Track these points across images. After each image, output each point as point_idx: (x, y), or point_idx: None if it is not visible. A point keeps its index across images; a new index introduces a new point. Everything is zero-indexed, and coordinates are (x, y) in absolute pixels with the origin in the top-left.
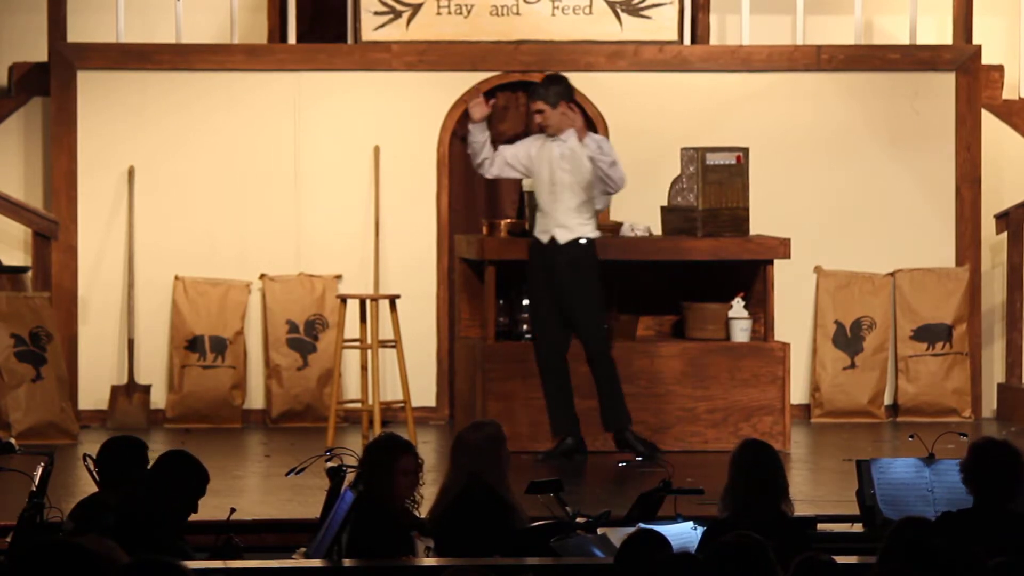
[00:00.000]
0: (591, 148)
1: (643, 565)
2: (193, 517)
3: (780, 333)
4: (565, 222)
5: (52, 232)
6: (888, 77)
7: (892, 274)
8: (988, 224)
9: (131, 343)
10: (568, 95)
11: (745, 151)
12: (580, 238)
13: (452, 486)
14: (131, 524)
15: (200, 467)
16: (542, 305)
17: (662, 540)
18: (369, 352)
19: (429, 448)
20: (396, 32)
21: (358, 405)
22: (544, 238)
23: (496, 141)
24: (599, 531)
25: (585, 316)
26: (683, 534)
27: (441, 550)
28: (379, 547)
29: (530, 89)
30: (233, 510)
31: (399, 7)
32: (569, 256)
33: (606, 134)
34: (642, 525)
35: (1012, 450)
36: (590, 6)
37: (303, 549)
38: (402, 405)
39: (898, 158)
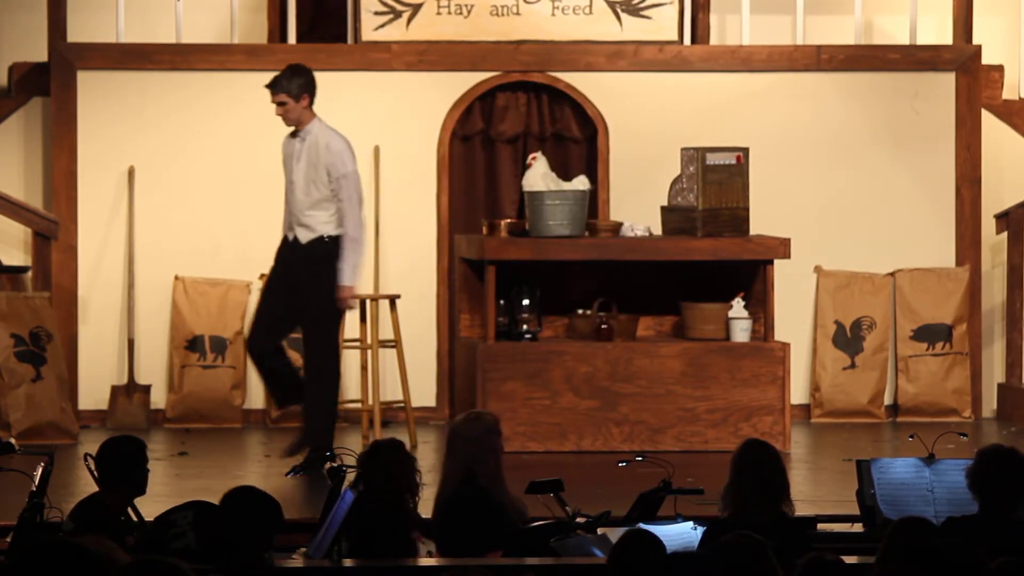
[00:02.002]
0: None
1: (637, 565)
2: None
3: (780, 333)
4: (305, 220)
5: (52, 232)
6: (888, 77)
7: (892, 274)
8: (988, 224)
9: (131, 343)
10: (311, 88)
11: (745, 151)
12: (323, 236)
13: (448, 479)
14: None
15: (270, 502)
16: (269, 300)
17: (656, 540)
18: (369, 352)
19: (429, 448)
20: (396, 32)
21: (358, 405)
22: (289, 235)
23: (496, 141)
24: (599, 531)
25: (314, 322)
26: (683, 534)
27: (441, 550)
28: (380, 548)
29: (272, 80)
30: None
31: (399, 7)
32: (309, 256)
33: (606, 134)
34: (642, 525)
35: (1019, 458)
36: (590, 6)
37: (303, 549)
38: (402, 405)
39: (898, 158)
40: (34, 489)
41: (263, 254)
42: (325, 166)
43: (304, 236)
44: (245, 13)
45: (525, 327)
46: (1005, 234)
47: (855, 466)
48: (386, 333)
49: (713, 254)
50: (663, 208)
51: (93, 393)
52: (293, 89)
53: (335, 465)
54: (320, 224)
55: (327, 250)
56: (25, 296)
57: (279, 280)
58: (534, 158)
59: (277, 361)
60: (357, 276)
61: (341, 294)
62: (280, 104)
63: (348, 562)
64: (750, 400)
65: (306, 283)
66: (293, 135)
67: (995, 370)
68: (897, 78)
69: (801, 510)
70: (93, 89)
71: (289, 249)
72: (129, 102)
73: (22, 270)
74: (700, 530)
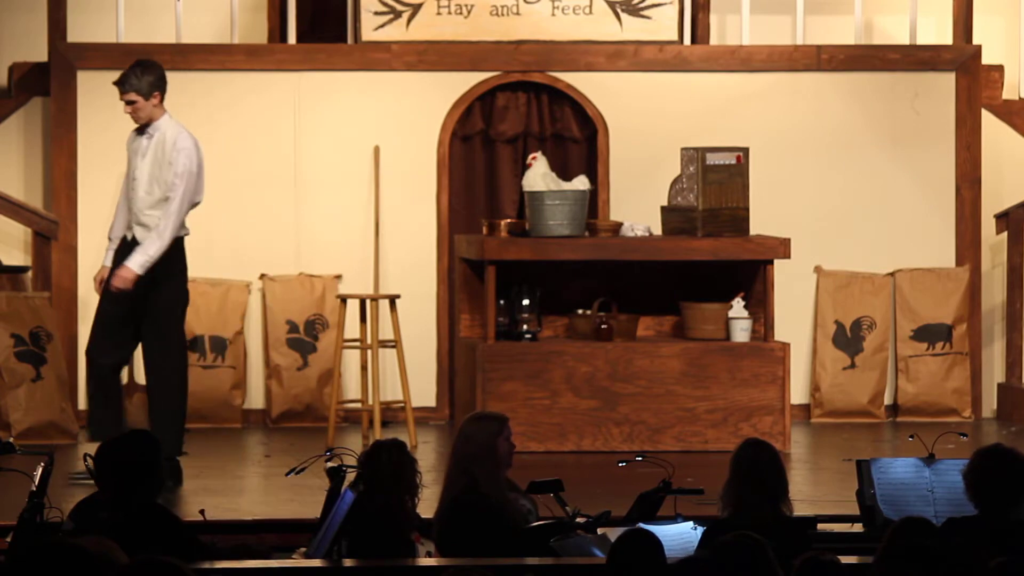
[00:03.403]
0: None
1: (636, 565)
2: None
3: (780, 333)
4: (145, 220)
5: (52, 232)
6: (888, 77)
7: (892, 274)
8: (988, 224)
9: None
10: (162, 85)
11: (745, 151)
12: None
13: (452, 478)
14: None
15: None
16: (109, 309)
17: (654, 540)
18: (369, 352)
19: (429, 448)
20: (396, 32)
21: (358, 405)
22: (128, 235)
23: (496, 141)
24: (599, 531)
25: (155, 325)
26: (683, 534)
27: (442, 551)
28: (379, 548)
29: (120, 77)
30: (202, 512)
31: (399, 7)
32: (165, 257)
33: (606, 134)
34: (642, 525)
35: (1017, 457)
36: (590, 6)
37: (303, 549)
38: (402, 405)
39: (898, 158)
40: (34, 489)
41: (263, 254)
42: (170, 163)
43: (143, 236)
44: (245, 13)
45: (525, 327)
46: (1005, 234)
47: (855, 466)
48: (386, 333)
49: (713, 254)
50: (663, 208)
51: None
52: (143, 87)
53: (336, 465)
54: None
55: (166, 252)
56: (25, 296)
57: (114, 293)
58: (534, 158)
59: (115, 384)
60: (143, 269)
61: (121, 272)
62: (129, 103)
63: (348, 562)
64: (750, 400)
65: (144, 286)
66: (140, 131)
67: (995, 370)
68: (897, 78)
69: (801, 510)
70: (93, 89)
71: (127, 249)
72: None
73: (22, 270)
74: (700, 530)
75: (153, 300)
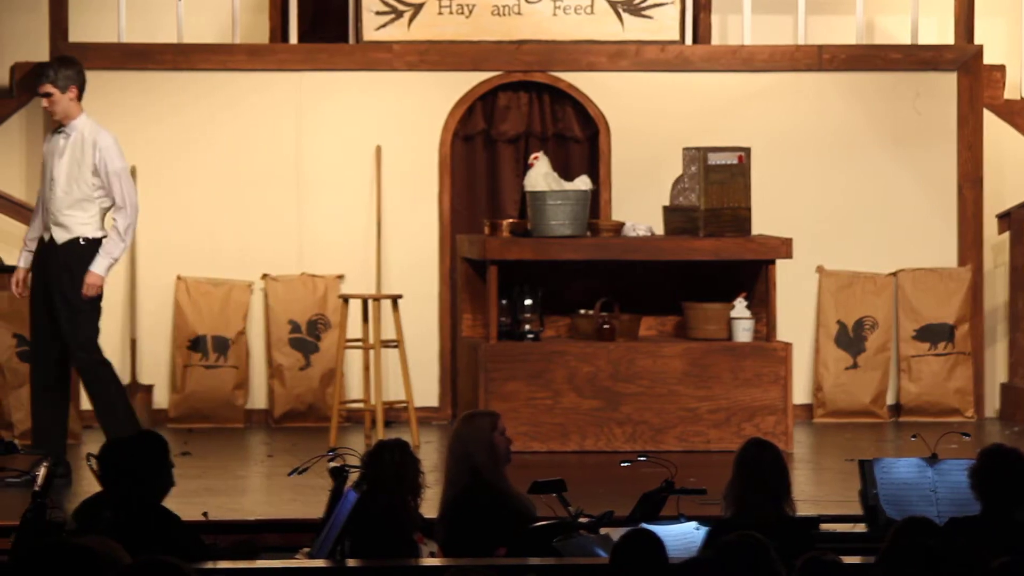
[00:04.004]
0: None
1: (638, 565)
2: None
3: (782, 333)
4: (63, 220)
5: None
6: (890, 77)
7: (894, 274)
8: (990, 224)
9: (133, 343)
10: (79, 80)
11: (747, 151)
12: (79, 238)
13: (451, 479)
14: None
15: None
16: (36, 312)
17: (656, 540)
18: (371, 352)
19: (432, 448)
20: (398, 32)
21: (361, 405)
22: (45, 236)
23: (498, 141)
24: (602, 531)
25: (72, 325)
26: (686, 534)
27: (448, 549)
28: (382, 548)
29: (39, 70)
30: (205, 513)
31: (400, 7)
32: (64, 258)
33: (608, 134)
34: (645, 525)
35: (1021, 458)
36: (591, 6)
37: (306, 549)
38: (404, 405)
39: (900, 158)
40: (37, 489)
41: (265, 254)
42: (92, 164)
43: (60, 236)
44: (247, 13)
45: (527, 327)
46: (1007, 234)
47: (858, 466)
48: (388, 333)
49: (715, 254)
50: (665, 208)
51: None
52: (60, 80)
53: (338, 465)
54: (78, 225)
55: (83, 253)
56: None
57: (39, 294)
58: (536, 158)
59: (63, 400)
60: (107, 271)
61: (89, 279)
62: (46, 95)
63: (351, 562)
64: (752, 400)
65: (60, 287)
66: (57, 131)
67: (997, 370)
68: (899, 78)
69: (804, 510)
70: (95, 89)
71: (44, 251)
72: (131, 102)
73: None
74: (703, 530)
75: (67, 302)
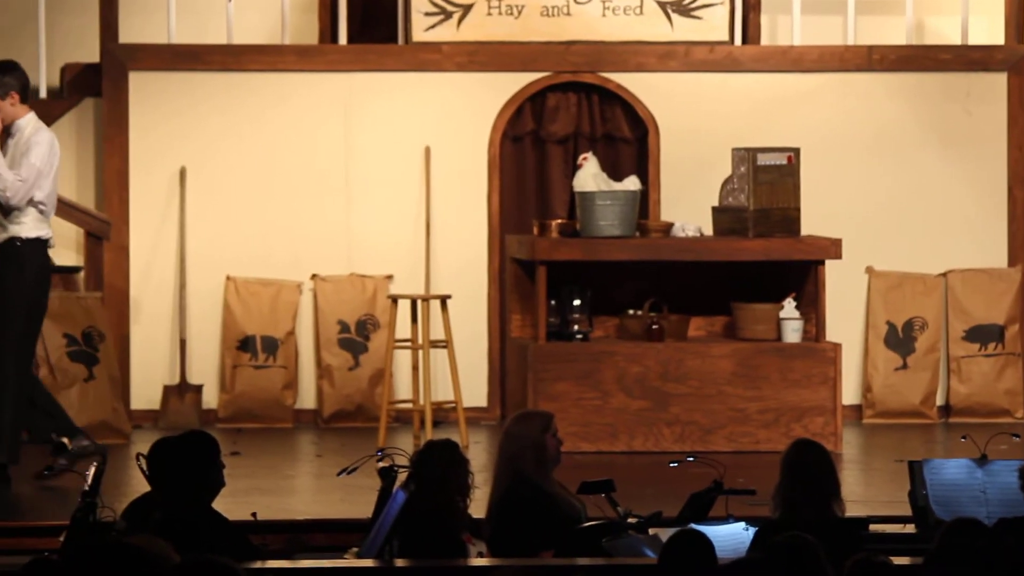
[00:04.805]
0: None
1: (687, 566)
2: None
3: (831, 334)
4: (3, 222)
5: (104, 232)
6: (939, 77)
7: (944, 275)
8: None
9: (183, 343)
10: (17, 85)
11: (796, 151)
12: (16, 238)
13: (499, 478)
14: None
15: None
16: None
17: (705, 541)
18: (420, 352)
19: (480, 448)
20: (447, 33)
21: (409, 405)
22: None
23: (547, 141)
24: (650, 531)
25: (5, 329)
26: (735, 535)
27: (496, 549)
28: (431, 548)
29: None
30: (254, 514)
31: (450, 8)
32: (1, 256)
33: (657, 135)
34: (694, 526)
35: None
36: (641, 7)
37: (355, 549)
38: (453, 405)
39: (950, 158)
40: (86, 489)
41: (314, 254)
42: (23, 154)
43: (2, 238)
44: (296, 14)
45: (576, 327)
46: None
47: (907, 467)
48: (437, 333)
49: (764, 254)
50: (714, 208)
51: (145, 393)
52: None
53: (387, 465)
54: (13, 225)
55: (18, 253)
56: (77, 296)
57: None
58: (585, 158)
59: (41, 394)
60: None
61: None
62: None
63: (399, 562)
64: (801, 401)
65: None
66: (5, 134)
67: None
68: (949, 78)
69: (853, 511)
70: (145, 89)
71: None
72: (180, 103)
73: (74, 270)
74: (752, 531)
75: (5, 309)
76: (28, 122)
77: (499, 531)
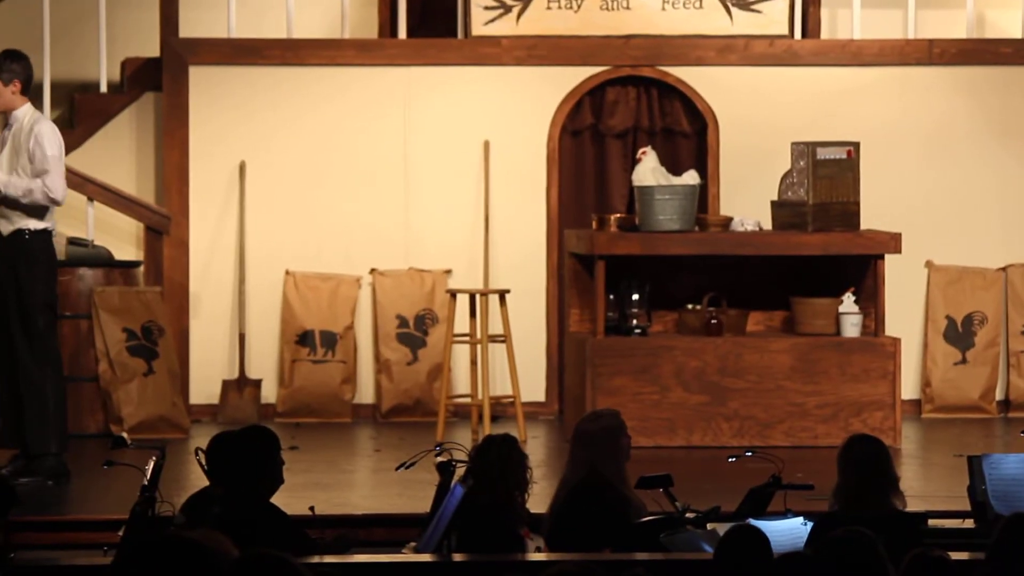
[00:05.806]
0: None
1: (743, 561)
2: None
3: (891, 328)
4: (5, 211)
5: (164, 227)
6: (1000, 71)
7: (1004, 269)
8: None
9: (242, 337)
10: (23, 75)
11: (856, 145)
12: (24, 229)
13: (571, 477)
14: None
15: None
16: None
17: (762, 536)
18: (479, 347)
19: (539, 443)
20: (506, 27)
21: (468, 400)
22: None
23: (606, 135)
24: (709, 526)
25: (21, 324)
26: (793, 529)
27: (555, 543)
28: (488, 542)
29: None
30: (312, 508)
31: (509, 2)
32: (9, 250)
33: (716, 129)
34: (752, 521)
35: None
36: (700, 0)
37: (413, 544)
38: (511, 400)
39: (1010, 152)
40: (145, 483)
41: (373, 249)
42: (28, 150)
43: (4, 228)
44: (356, 8)
45: (634, 322)
46: None
47: (966, 462)
48: (496, 328)
49: (823, 249)
50: (773, 203)
51: (204, 387)
52: (3, 74)
53: (445, 460)
54: (20, 217)
55: (28, 245)
56: (137, 291)
57: None
58: (644, 152)
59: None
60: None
61: None
62: None
63: (457, 556)
64: (860, 395)
65: (6, 281)
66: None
67: None
68: (1009, 72)
69: (912, 506)
70: (204, 84)
71: None
72: (240, 97)
73: (134, 265)
74: (810, 525)
75: (14, 296)
76: (25, 113)
77: (564, 526)
